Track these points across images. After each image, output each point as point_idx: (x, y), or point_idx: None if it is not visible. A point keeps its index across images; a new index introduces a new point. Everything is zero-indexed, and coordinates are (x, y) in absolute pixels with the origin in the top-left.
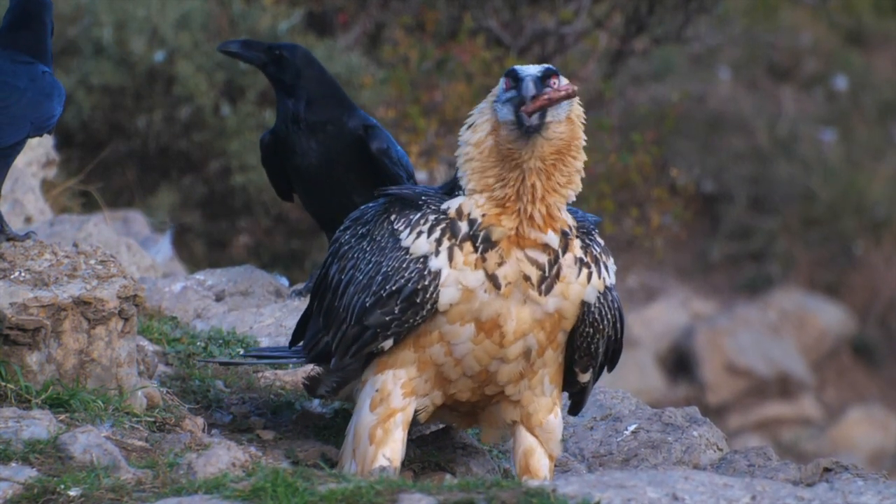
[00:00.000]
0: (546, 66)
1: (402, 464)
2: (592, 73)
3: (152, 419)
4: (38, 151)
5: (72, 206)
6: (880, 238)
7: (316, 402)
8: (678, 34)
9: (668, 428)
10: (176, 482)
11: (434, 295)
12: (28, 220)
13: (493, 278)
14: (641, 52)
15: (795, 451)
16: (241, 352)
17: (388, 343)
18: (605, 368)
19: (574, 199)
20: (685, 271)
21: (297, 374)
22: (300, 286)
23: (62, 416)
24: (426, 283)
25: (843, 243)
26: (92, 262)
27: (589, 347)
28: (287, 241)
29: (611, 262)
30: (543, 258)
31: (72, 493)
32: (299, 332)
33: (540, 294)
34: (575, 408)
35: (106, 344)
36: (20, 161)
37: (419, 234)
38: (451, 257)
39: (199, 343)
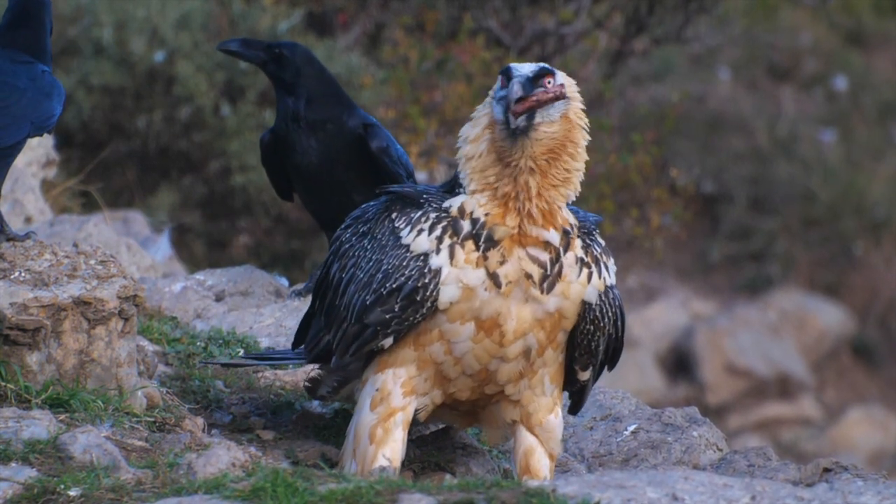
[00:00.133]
0: (541, 65)
1: (402, 464)
2: (592, 74)
3: (152, 419)
4: (38, 151)
5: (72, 206)
6: (880, 238)
7: (316, 402)
8: (678, 34)
9: (667, 428)
10: (176, 482)
11: (434, 293)
12: (28, 220)
13: (494, 277)
14: (641, 52)
15: (795, 452)
16: (242, 352)
17: (389, 341)
18: (606, 367)
19: (575, 197)
20: (685, 272)
21: (297, 374)
22: (300, 286)
23: (62, 416)
24: (426, 280)
25: (843, 244)
26: (92, 262)
27: (589, 345)
28: (287, 241)
29: (611, 262)
30: (545, 256)
31: (72, 493)
32: (302, 332)
33: (542, 292)
34: (574, 407)
35: (106, 344)
36: (20, 161)
37: (420, 232)
38: (451, 255)
39: (199, 343)
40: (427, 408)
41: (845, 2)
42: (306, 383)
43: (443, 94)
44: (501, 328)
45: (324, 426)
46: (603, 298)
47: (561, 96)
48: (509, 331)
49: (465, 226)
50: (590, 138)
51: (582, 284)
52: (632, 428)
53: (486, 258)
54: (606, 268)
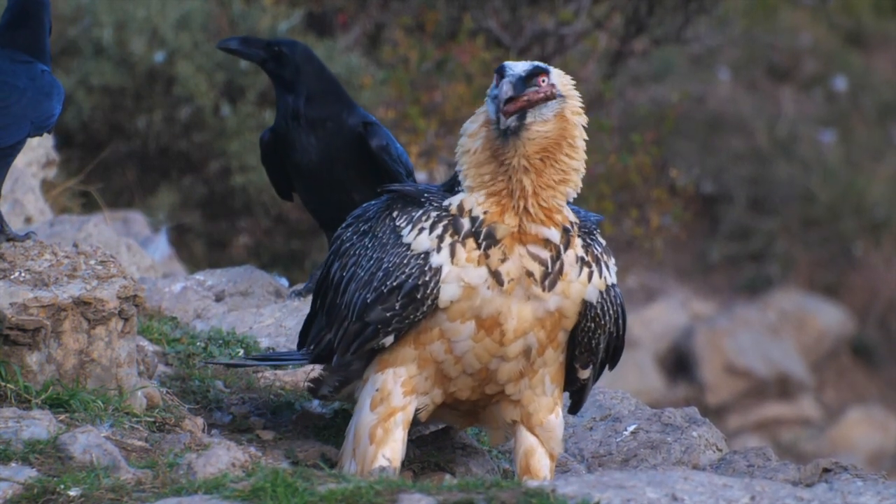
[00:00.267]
0: (534, 63)
1: (402, 464)
2: (592, 74)
3: (152, 419)
4: (38, 152)
5: (72, 206)
6: (880, 239)
7: (316, 402)
8: (678, 35)
9: (667, 428)
10: (176, 482)
11: (434, 291)
12: (28, 220)
13: (496, 275)
14: (641, 52)
15: (795, 452)
16: (242, 352)
17: (389, 339)
18: (607, 367)
19: (574, 196)
20: (685, 272)
21: (296, 374)
22: (300, 286)
23: (62, 416)
24: (427, 278)
25: (843, 244)
26: (92, 262)
27: (590, 343)
28: (287, 241)
29: (612, 261)
30: (545, 254)
31: (72, 493)
32: (305, 333)
33: (543, 290)
34: (574, 407)
35: (106, 344)
36: (20, 161)
37: (421, 230)
38: (452, 254)
39: (198, 343)
40: (427, 407)
41: (845, 2)
42: (308, 383)
43: (443, 95)
44: (502, 327)
45: (324, 426)
46: (604, 296)
47: (552, 96)
48: (510, 330)
49: (465, 224)
50: (587, 137)
51: (582, 284)
52: (631, 428)
53: (487, 256)
54: (607, 267)
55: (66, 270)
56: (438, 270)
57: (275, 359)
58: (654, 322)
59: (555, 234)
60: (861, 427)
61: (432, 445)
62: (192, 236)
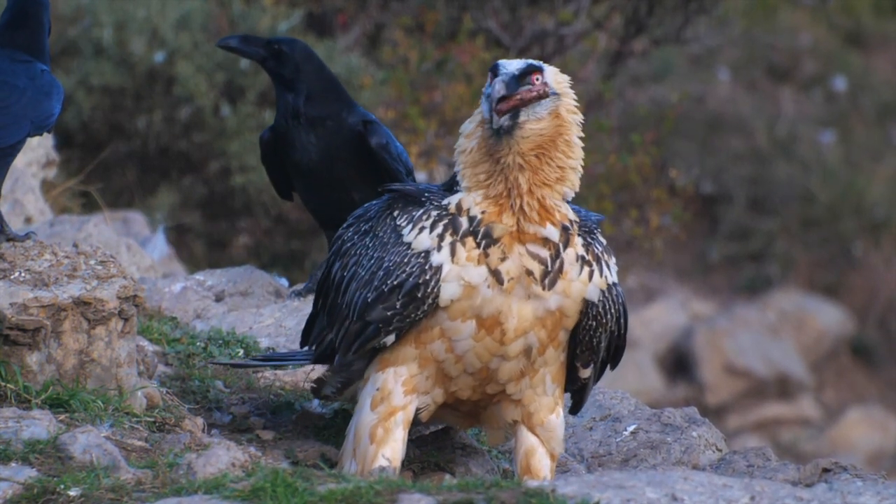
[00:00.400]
0: (528, 62)
1: (402, 464)
2: (592, 74)
3: (152, 419)
4: (38, 152)
5: (72, 206)
6: (879, 239)
7: (316, 402)
8: (677, 35)
9: (667, 428)
10: (176, 482)
11: (435, 290)
12: (28, 220)
13: (496, 273)
14: (641, 52)
15: (794, 452)
16: (241, 352)
17: (391, 339)
18: (609, 367)
19: (572, 196)
20: (684, 272)
21: (296, 374)
22: (300, 287)
23: (62, 416)
24: (427, 277)
25: (843, 244)
26: (92, 262)
27: (591, 341)
28: (287, 241)
29: (613, 260)
30: (545, 253)
31: (72, 493)
32: (307, 333)
33: (543, 289)
34: (575, 407)
35: (106, 344)
36: (20, 161)
37: (421, 229)
38: (453, 253)
39: (198, 343)
40: (429, 407)
41: (845, 2)
42: (312, 384)
43: (442, 95)
44: (502, 326)
45: (324, 426)
46: (606, 295)
47: (545, 95)
48: (510, 329)
49: (464, 223)
50: (583, 134)
51: (583, 283)
52: (631, 428)
53: (487, 255)
54: (608, 266)
55: (66, 270)
56: (439, 269)
57: (277, 359)
58: (654, 322)
59: (553, 233)
60: (861, 427)
61: (432, 445)
62: (192, 236)
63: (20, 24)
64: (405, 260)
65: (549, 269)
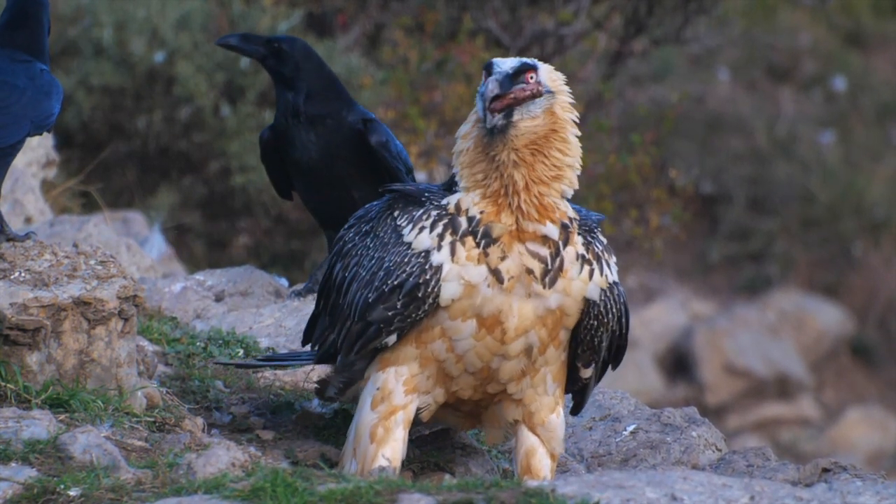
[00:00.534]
0: (522, 60)
1: (402, 464)
2: (591, 74)
3: (152, 419)
4: (38, 152)
5: (72, 206)
6: (879, 239)
7: (316, 402)
8: (677, 35)
9: (666, 428)
10: (176, 482)
11: (435, 289)
12: (28, 220)
13: (496, 273)
14: (640, 53)
15: (794, 452)
16: (241, 352)
17: (392, 339)
18: (610, 366)
19: (571, 194)
20: (684, 272)
21: (296, 374)
22: (300, 287)
23: (62, 416)
24: (427, 277)
25: (842, 244)
26: (92, 262)
27: (592, 341)
28: (287, 241)
29: (613, 260)
30: (545, 251)
31: (72, 493)
32: (308, 334)
33: (544, 287)
34: (576, 407)
35: (106, 344)
36: (20, 161)
37: (421, 229)
38: (453, 252)
39: (198, 343)
40: (430, 407)
41: (844, 2)
42: (315, 385)
43: (442, 95)
44: (503, 325)
45: (323, 426)
46: (607, 294)
47: (539, 93)
48: (511, 328)
49: (463, 223)
50: (579, 133)
51: (583, 281)
52: (631, 428)
53: (486, 254)
54: (609, 265)
55: (66, 270)
56: (439, 269)
57: (280, 359)
58: (654, 322)
59: (553, 230)
60: (860, 427)
61: (432, 445)
62: (192, 236)
63: (20, 24)
64: (405, 260)
65: (550, 267)
